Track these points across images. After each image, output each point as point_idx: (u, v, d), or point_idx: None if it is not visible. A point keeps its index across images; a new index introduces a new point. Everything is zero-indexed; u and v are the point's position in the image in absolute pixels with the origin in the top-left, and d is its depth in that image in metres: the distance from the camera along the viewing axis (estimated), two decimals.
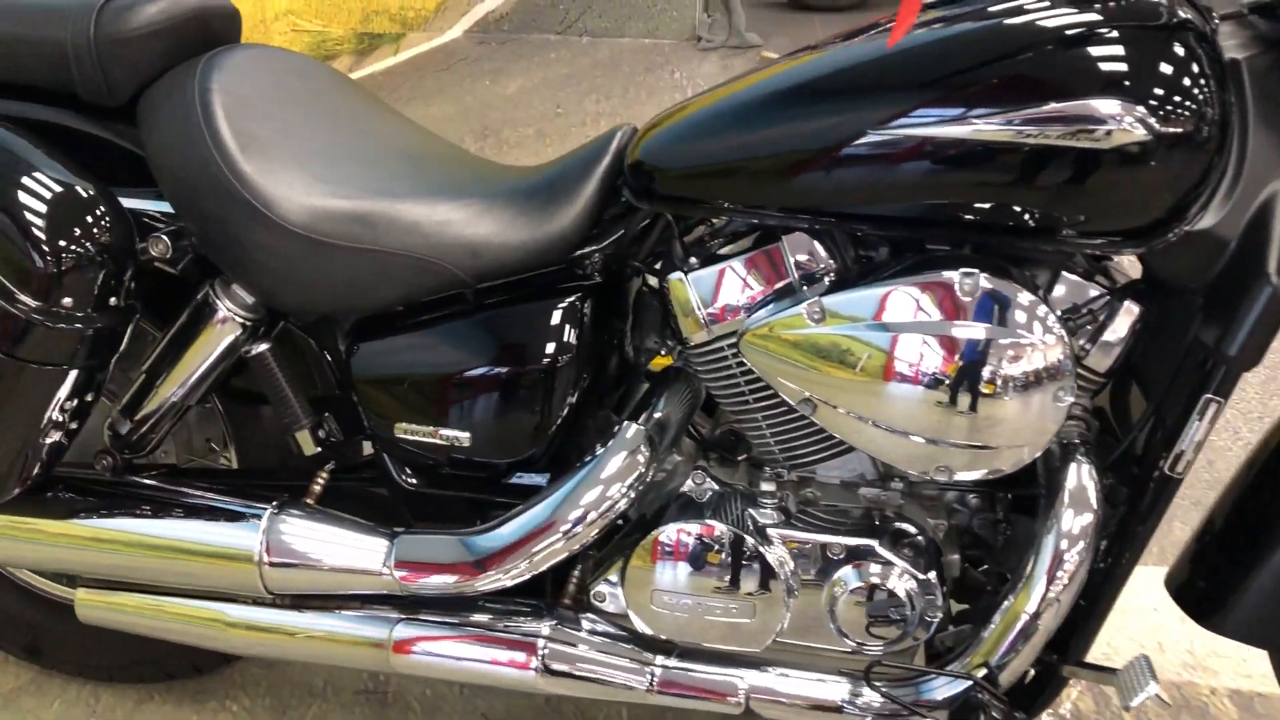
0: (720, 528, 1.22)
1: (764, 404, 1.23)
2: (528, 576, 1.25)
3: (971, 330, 1.09)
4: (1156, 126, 1.01)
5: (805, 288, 1.18)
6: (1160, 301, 1.15)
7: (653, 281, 1.29)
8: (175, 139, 1.21)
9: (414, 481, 1.34)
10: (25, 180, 1.18)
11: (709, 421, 1.37)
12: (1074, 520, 1.16)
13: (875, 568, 1.23)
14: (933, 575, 1.22)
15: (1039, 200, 1.07)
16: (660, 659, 1.30)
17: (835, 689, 1.27)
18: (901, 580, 1.23)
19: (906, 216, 1.11)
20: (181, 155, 1.21)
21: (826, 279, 1.17)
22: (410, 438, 1.30)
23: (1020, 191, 1.07)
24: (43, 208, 1.17)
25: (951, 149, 1.06)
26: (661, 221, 1.29)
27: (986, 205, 1.08)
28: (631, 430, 1.24)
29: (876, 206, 1.11)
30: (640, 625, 1.28)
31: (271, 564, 1.27)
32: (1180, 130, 1.01)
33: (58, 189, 1.19)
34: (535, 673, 1.27)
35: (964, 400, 1.10)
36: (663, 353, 1.33)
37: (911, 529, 1.26)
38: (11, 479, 1.29)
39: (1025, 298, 1.08)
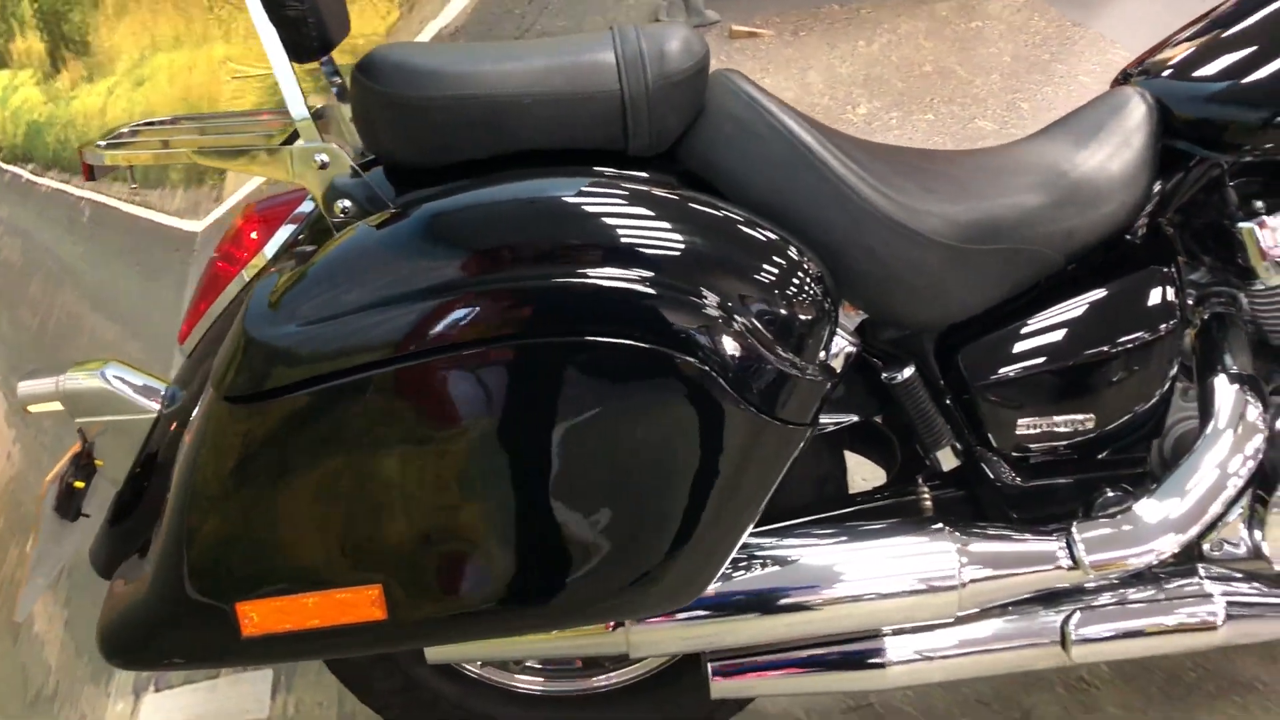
0: None
1: None
2: (1197, 532, 1.30)
3: None
4: None
5: None
6: None
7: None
8: (785, 177, 1.19)
9: (1019, 479, 1.36)
10: (740, 231, 1.16)
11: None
12: None
13: None
14: None
15: None
16: None
17: None
18: None
19: None
20: (804, 193, 1.19)
21: None
22: (1033, 431, 1.32)
23: None
24: (777, 260, 1.16)
25: None
26: (1200, 173, 1.36)
27: None
28: (1232, 382, 1.33)
29: None
30: (1276, 563, 1.36)
31: (971, 582, 1.27)
32: None
33: (769, 240, 1.16)
34: (1216, 626, 1.33)
35: None
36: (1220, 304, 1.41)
37: None
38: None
39: None
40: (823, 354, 1.17)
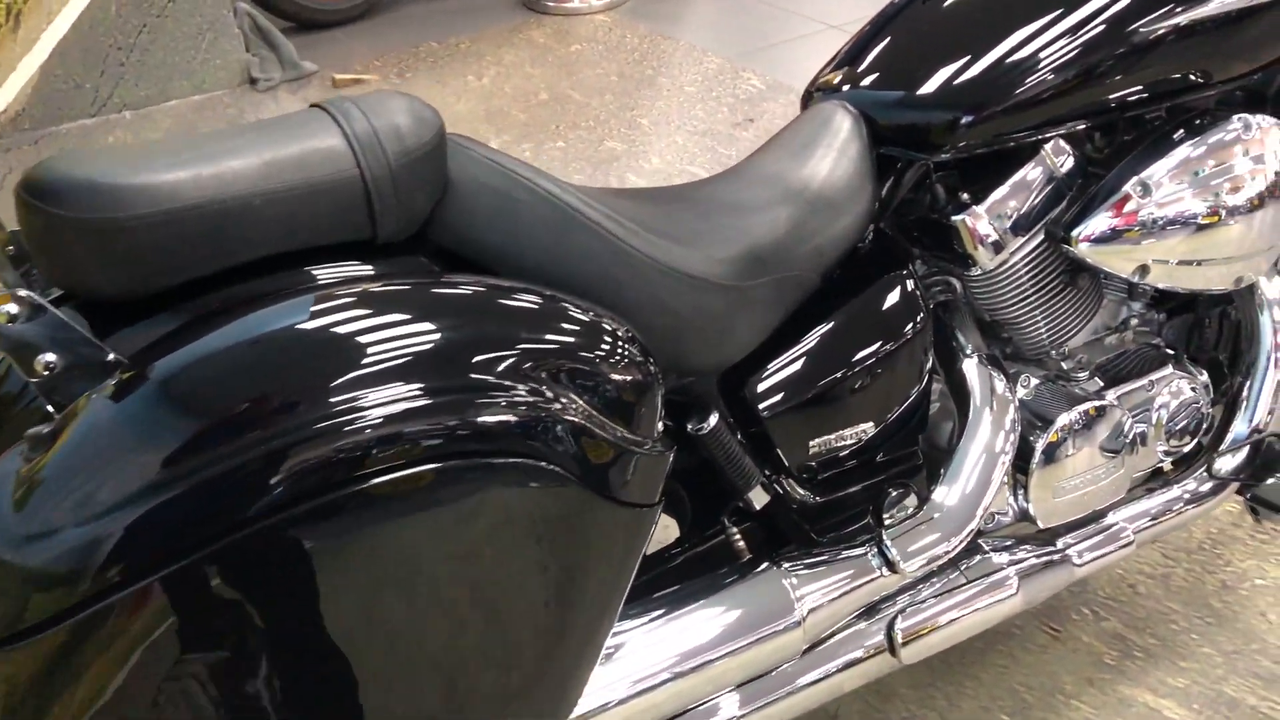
0: (1082, 409, 1.44)
1: (1045, 298, 1.46)
2: (984, 511, 1.38)
3: (1263, 159, 1.41)
4: None
5: (1076, 182, 1.42)
6: None
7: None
8: (558, 243, 1.13)
9: (816, 497, 1.38)
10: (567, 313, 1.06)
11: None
12: None
13: (1176, 384, 1.53)
14: (1204, 375, 1.55)
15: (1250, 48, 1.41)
16: (1062, 542, 1.50)
17: (1176, 491, 1.56)
18: (1195, 386, 1.54)
19: (1156, 94, 1.39)
20: (582, 255, 1.13)
21: (1079, 169, 1.42)
22: (823, 449, 1.34)
23: (1236, 47, 1.41)
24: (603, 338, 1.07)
25: (1203, 25, 1.36)
26: (910, 175, 1.45)
27: (1220, 67, 1.40)
28: (977, 364, 1.42)
29: (1129, 95, 1.38)
30: (1043, 522, 1.47)
31: (810, 614, 1.26)
32: None
33: (575, 312, 1.07)
34: (1015, 593, 1.41)
35: (1264, 217, 1.43)
36: (941, 294, 1.50)
37: (1169, 350, 1.58)
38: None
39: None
40: (660, 426, 1.10)
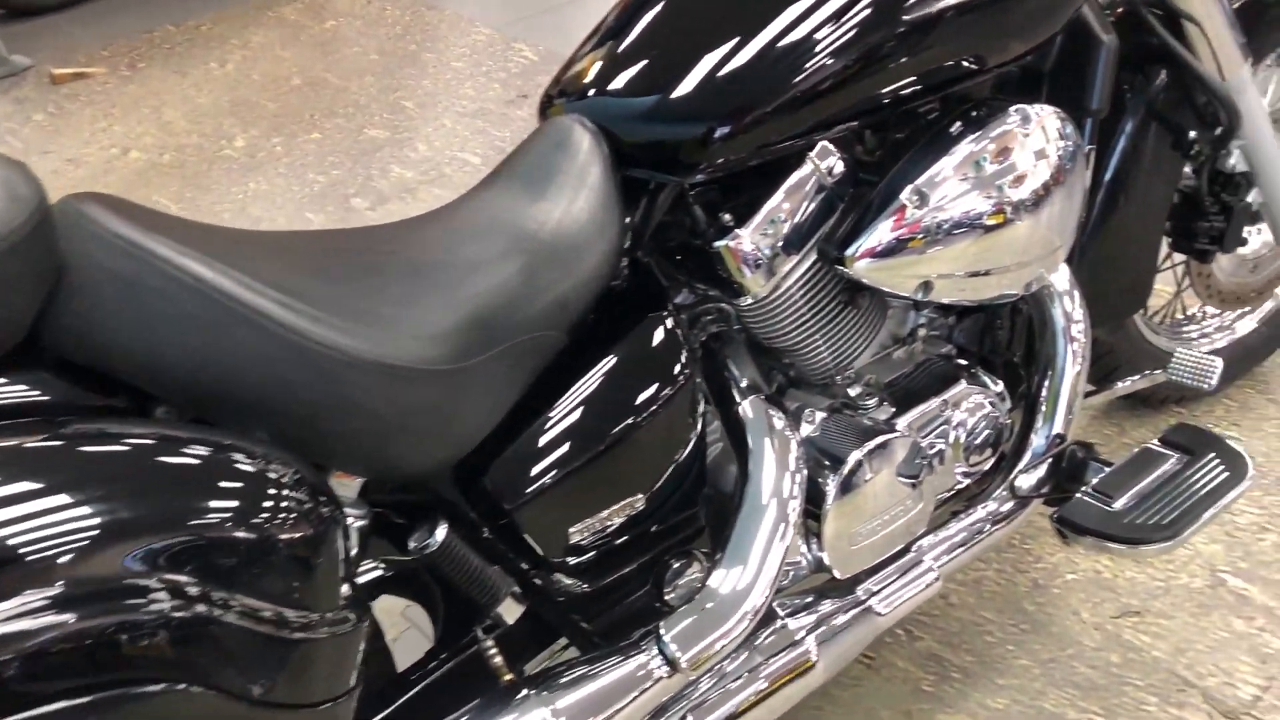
0: (874, 443, 1.29)
1: (824, 321, 1.31)
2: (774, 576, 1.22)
3: (1045, 151, 1.28)
4: None
5: (848, 192, 1.26)
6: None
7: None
8: (209, 342, 0.89)
9: (585, 586, 1.18)
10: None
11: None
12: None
13: (971, 399, 1.40)
14: (1001, 385, 1.43)
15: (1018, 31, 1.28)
16: (863, 590, 1.35)
17: (979, 513, 1.44)
18: (991, 398, 1.42)
19: (930, 84, 1.24)
20: (241, 355, 0.89)
21: (851, 175, 1.26)
22: (588, 532, 1.15)
23: (1010, 26, 1.27)
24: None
25: (974, 6, 1.21)
26: (664, 197, 1.26)
27: (992, 50, 1.26)
28: (756, 405, 1.26)
29: (901, 88, 1.23)
30: (841, 573, 1.32)
31: None
32: None
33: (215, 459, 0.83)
34: (814, 664, 1.26)
35: (1052, 213, 1.30)
36: (712, 324, 1.33)
37: (962, 360, 1.45)
38: None
39: (1060, 116, 1.29)
40: (346, 588, 0.87)
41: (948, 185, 1.24)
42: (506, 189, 1.19)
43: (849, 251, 1.24)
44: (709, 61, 1.20)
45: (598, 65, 1.28)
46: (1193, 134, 1.64)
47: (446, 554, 1.04)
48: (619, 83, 1.25)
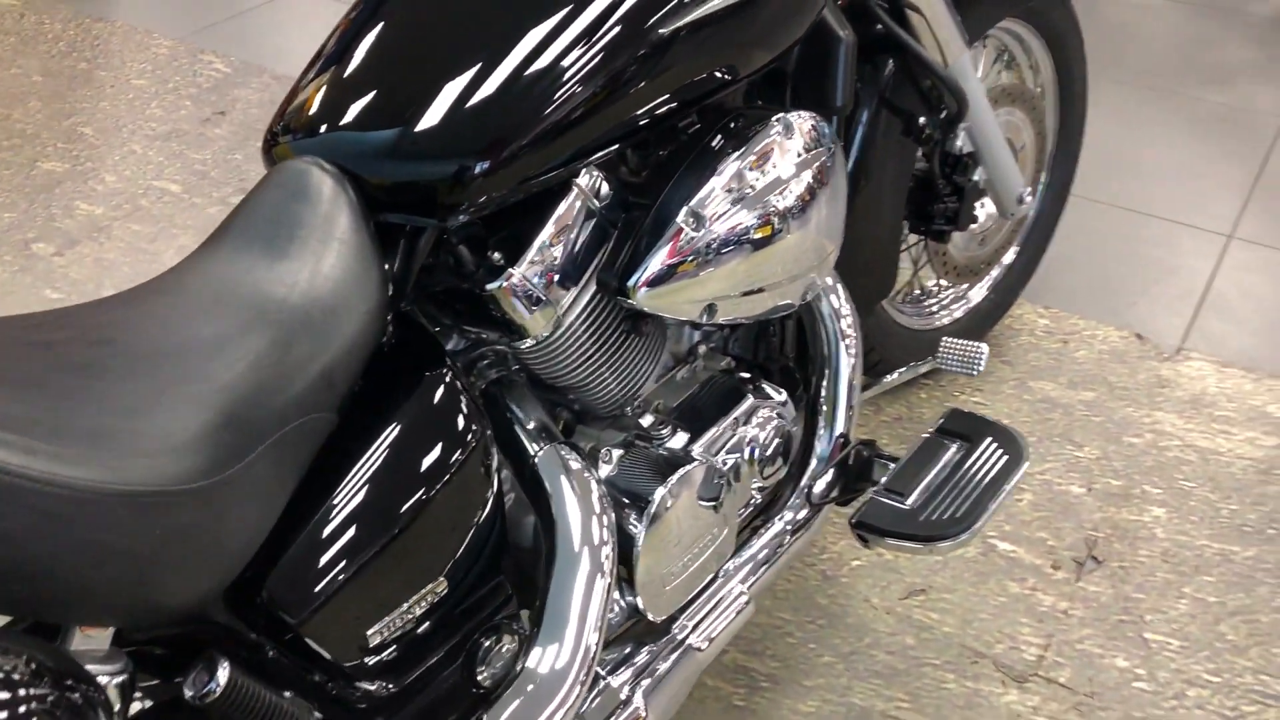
0: (676, 477, 1.25)
1: (610, 353, 1.26)
2: (598, 641, 1.15)
3: (809, 160, 1.26)
4: None
5: (620, 217, 1.21)
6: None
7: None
8: None
9: (390, 687, 1.07)
10: None
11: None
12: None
13: (759, 414, 1.38)
14: (784, 393, 1.42)
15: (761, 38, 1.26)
16: (679, 627, 1.30)
17: (777, 526, 1.42)
18: (777, 409, 1.40)
19: (687, 98, 1.20)
20: None
21: (620, 198, 1.21)
22: (387, 630, 1.04)
23: (759, 35, 1.25)
24: None
25: (721, 14, 1.18)
26: (425, 241, 1.16)
27: (744, 59, 1.24)
28: (551, 452, 1.19)
29: (660, 105, 1.18)
30: (656, 616, 1.27)
31: None
32: None
33: None
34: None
35: (821, 218, 1.29)
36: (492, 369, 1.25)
37: (743, 373, 1.43)
38: None
39: (816, 120, 1.27)
40: None
41: (721, 204, 1.19)
42: (239, 250, 1.03)
43: (630, 282, 1.16)
44: (453, 90, 1.09)
45: (327, 96, 1.14)
46: (922, 119, 1.68)
47: (232, 699, 0.89)
48: (355, 116, 1.11)
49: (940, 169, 1.79)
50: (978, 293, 2.18)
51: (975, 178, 1.82)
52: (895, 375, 1.66)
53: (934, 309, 2.15)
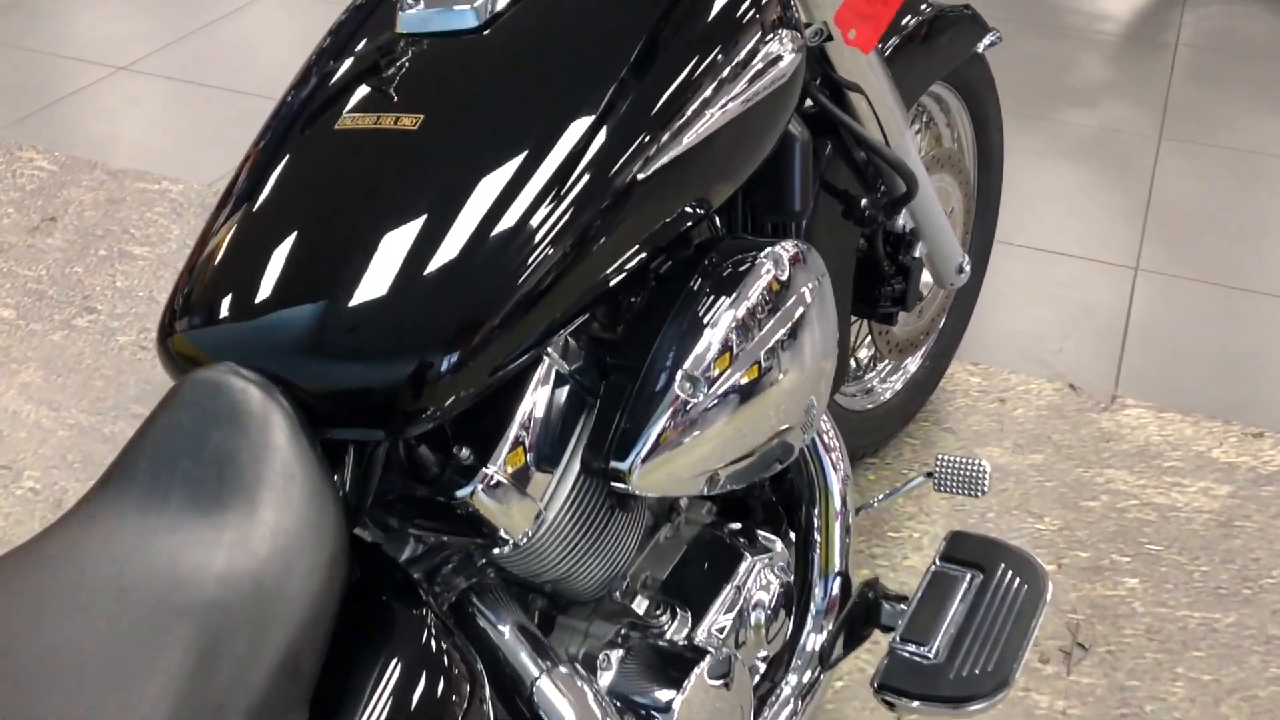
0: (695, 675, 1.10)
1: (595, 538, 1.10)
2: None
3: (805, 294, 1.12)
4: None
5: (599, 384, 1.05)
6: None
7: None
8: None
9: None
10: None
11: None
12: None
13: (757, 575, 1.24)
14: (778, 541, 1.28)
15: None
16: None
17: (784, 692, 1.28)
18: (777, 563, 1.26)
19: (662, 242, 1.05)
20: None
21: (596, 361, 1.06)
22: None
23: (731, 161, 1.11)
24: None
25: (693, 153, 1.04)
26: (375, 455, 0.97)
27: (714, 193, 1.10)
28: (547, 682, 1.02)
29: (637, 254, 1.03)
30: None
31: None
32: None
33: None
34: None
35: (828, 349, 1.15)
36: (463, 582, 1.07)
37: (733, 523, 1.28)
38: None
39: (800, 247, 1.13)
40: None
41: (720, 362, 1.03)
42: (141, 503, 0.79)
43: (625, 464, 0.99)
44: (402, 261, 0.90)
45: (239, 271, 0.93)
46: (864, 201, 1.56)
47: None
48: (280, 300, 0.90)
49: (884, 249, 1.68)
50: (913, 363, 2.08)
51: (917, 254, 1.71)
52: (882, 498, 1.53)
53: (873, 386, 2.03)
